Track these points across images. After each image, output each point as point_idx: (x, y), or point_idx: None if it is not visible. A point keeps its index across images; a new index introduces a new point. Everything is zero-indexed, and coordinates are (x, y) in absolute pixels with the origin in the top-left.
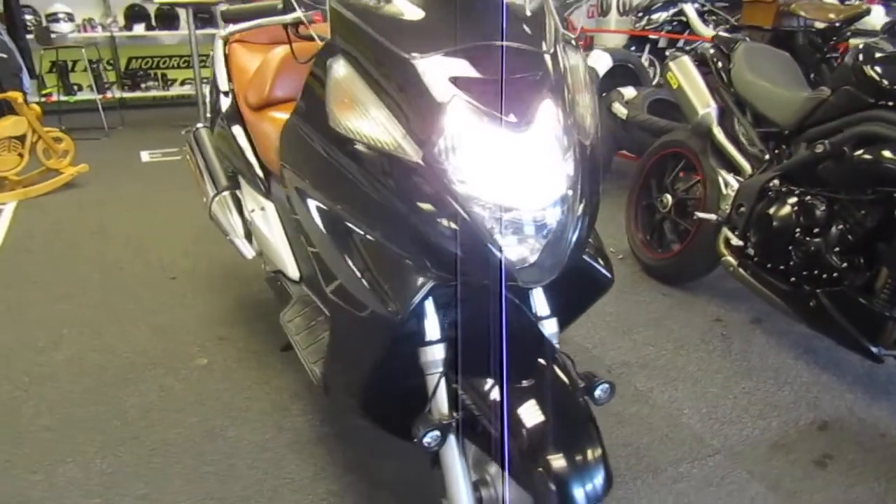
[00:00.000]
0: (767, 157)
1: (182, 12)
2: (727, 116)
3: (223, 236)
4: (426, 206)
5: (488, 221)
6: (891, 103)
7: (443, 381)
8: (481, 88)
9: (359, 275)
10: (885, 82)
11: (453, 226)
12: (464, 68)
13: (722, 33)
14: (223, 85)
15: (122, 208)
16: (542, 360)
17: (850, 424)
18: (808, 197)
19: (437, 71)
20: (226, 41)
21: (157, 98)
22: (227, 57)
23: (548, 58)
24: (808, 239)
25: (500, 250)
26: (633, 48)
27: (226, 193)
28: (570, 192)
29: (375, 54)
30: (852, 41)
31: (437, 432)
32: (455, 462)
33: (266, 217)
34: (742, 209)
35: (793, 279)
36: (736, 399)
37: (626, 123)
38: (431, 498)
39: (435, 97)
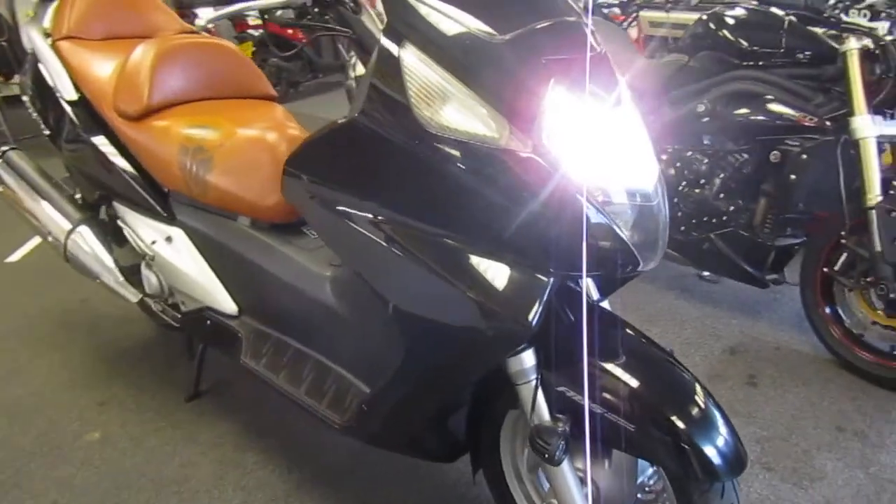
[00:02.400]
0: None
1: None
2: None
3: (82, 279)
4: (543, 200)
5: (608, 206)
6: (752, 63)
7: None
8: (566, 67)
9: (467, 291)
10: (745, 44)
11: (577, 216)
12: (546, 46)
13: None
14: (68, 93)
15: None
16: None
17: (751, 345)
18: (689, 153)
19: (527, 51)
20: (53, 40)
21: None
22: (61, 59)
23: (595, 33)
24: (695, 191)
25: (627, 236)
26: None
27: (83, 227)
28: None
29: (454, 39)
30: (644, 14)
31: (563, 441)
32: (566, 464)
33: (176, 247)
34: None
35: (683, 228)
36: None
37: None
38: None
39: (534, 80)
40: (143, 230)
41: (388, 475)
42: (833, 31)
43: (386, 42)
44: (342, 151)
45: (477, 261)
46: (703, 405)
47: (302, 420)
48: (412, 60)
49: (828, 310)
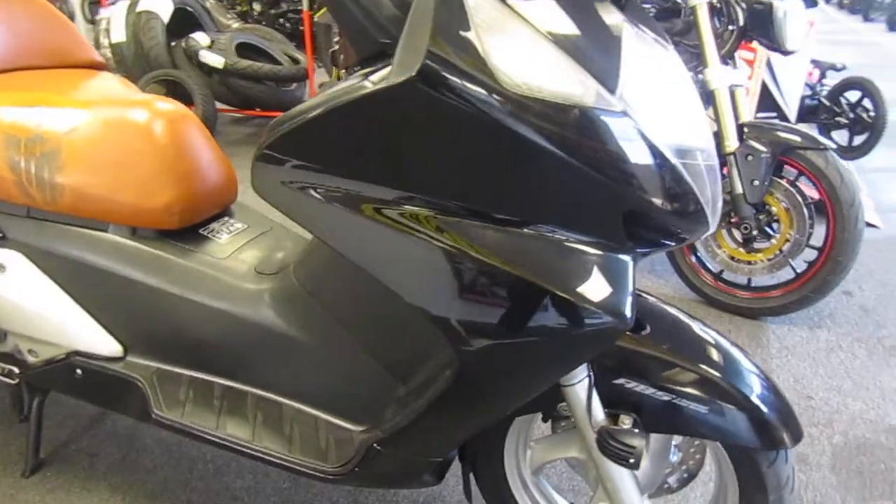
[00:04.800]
0: None
1: None
2: None
3: None
4: (635, 166)
5: (683, 168)
6: None
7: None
8: (630, 18)
9: (548, 285)
10: None
11: (669, 181)
12: None
13: None
14: None
15: None
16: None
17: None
18: None
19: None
20: None
21: None
22: None
23: None
24: None
25: (704, 199)
26: None
27: None
28: None
29: None
30: None
31: (645, 442)
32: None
33: (12, 278)
34: None
35: None
36: None
37: (224, 73)
38: None
39: (609, 27)
40: None
41: None
42: None
43: None
44: (375, 125)
45: (555, 247)
46: (757, 373)
47: (211, 474)
48: (488, 7)
49: (693, 258)
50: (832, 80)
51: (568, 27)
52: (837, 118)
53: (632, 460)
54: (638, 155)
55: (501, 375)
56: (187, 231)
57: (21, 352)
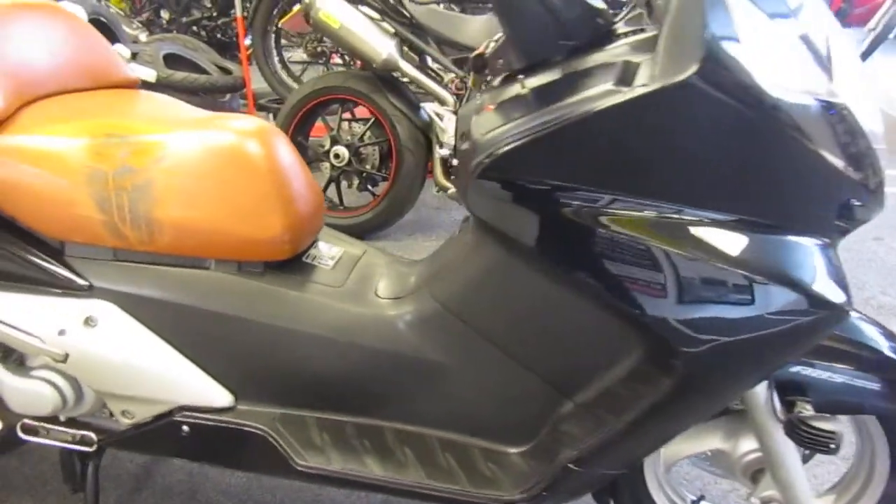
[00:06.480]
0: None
1: None
2: (406, 49)
3: None
4: (858, 153)
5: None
6: None
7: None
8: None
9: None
10: None
11: (874, 167)
12: None
13: None
14: None
15: None
16: None
17: None
18: None
19: None
20: None
21: None
22: None
23: None
24: None
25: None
26: None
27: None
28: None
29: None
30: None
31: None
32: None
33: (105, 331)
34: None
35: None
36: None
37: (156, 86)
38: None
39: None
40: (33, 321)
41: None
42: None
43: None
44: (633, 130)
45: (779, 243)
46: None
47: None
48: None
49: None
50: None
51: (789, 23)
52: None
53: (832, 445)
54: (859, 143)
55: (727, 375)
56: (292, 261)
57: (108, 414)
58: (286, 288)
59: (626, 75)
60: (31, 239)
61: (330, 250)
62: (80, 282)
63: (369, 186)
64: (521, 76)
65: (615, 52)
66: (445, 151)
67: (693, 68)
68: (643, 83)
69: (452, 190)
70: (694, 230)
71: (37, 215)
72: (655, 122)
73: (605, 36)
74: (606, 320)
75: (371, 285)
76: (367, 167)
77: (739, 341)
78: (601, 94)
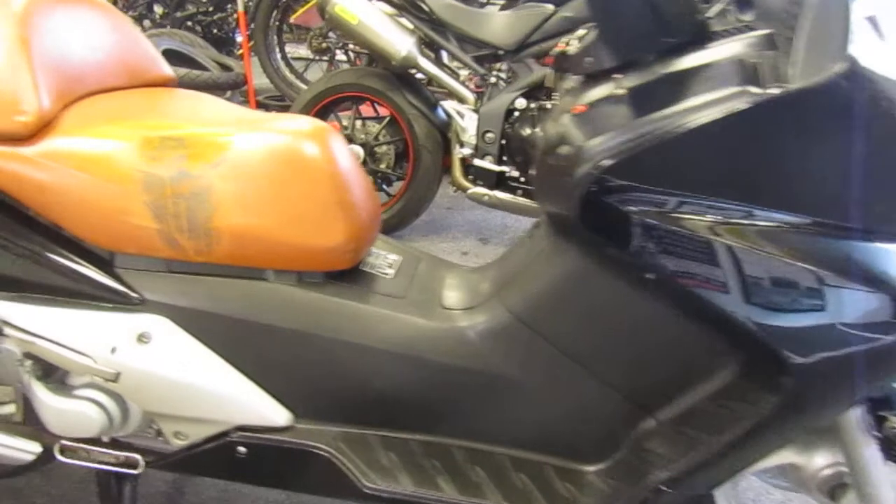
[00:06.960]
0: (493, 79)
1: None
2: (426, 46)
3: None
4: None
5: None
6: None
7: None
8: None
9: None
10: None
11: None
12: None
13: None
14: None
15: None
16: None
17: None
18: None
19: None
20: None
21: None
22: None
23: None
24: None
25: None
26: None
27: None
28: None
29: None
30: None
31: None
32: None
33: (159, 348)
34: (490, 134)
35: None
36: None
37: None
38: None
39: None
40: (82, 338)
41: None
42: None
43: None
44: (765, 134)
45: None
46: None
47: None
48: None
49: None
50: None
51: None
52: None
53: None
54: None
55: (838, 390)
56: (352, 270)
57: (154, 434)
58: (349, 299)
59: (752, 76)
60: (78, 249)
61: (387, 258)
62: (132, 295)
63: (384, 186)
64: (616, 75)
65: (720, 50)
66: (467, 150)
67: (842, 67)
68: (777, 83)
69: (472, 190)
70: (821, 242)
71: (85, 224)
72: (800, 125)
73: (702, 33)
74: (700, 334)
75: (435, 295)
76: (383, 167)
77: (851, 354)
78: (730, 96)
